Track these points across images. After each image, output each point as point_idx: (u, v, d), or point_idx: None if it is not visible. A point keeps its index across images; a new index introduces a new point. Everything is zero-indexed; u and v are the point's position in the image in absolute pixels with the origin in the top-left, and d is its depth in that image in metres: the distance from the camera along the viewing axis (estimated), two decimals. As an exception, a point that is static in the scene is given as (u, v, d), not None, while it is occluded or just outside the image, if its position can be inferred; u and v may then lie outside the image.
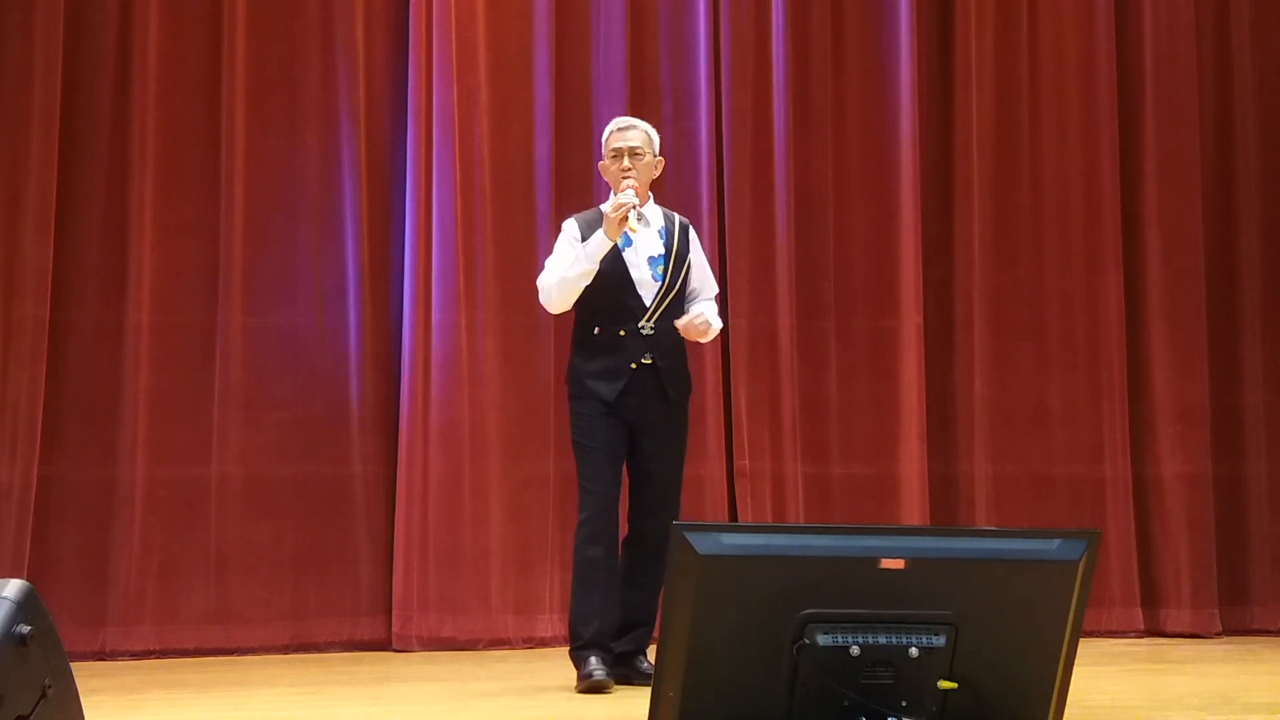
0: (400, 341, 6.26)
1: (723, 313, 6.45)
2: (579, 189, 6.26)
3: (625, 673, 4.80)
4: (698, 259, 4.99)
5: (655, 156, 4.96)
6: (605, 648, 4.74)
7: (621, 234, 4.75)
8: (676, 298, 4.88)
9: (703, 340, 4.95)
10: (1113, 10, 6.91)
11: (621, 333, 4.79)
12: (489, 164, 6.35)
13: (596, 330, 4.82)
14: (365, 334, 6.27)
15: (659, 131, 6.51)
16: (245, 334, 6.14)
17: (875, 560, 3.06)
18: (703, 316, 4.80)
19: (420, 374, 6.21)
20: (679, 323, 4.80)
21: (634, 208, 4.70)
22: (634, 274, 4.82)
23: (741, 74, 6.60)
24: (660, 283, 4.84)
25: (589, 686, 4.64)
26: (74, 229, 6.03)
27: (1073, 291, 6.81)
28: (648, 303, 4.82)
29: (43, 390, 5.88)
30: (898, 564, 3.05)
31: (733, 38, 6.59)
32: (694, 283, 4.96)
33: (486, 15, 6.40)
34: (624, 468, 4.89)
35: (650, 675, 4.56)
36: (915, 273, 6.64)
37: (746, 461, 6.43)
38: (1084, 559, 3.12)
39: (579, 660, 4.76)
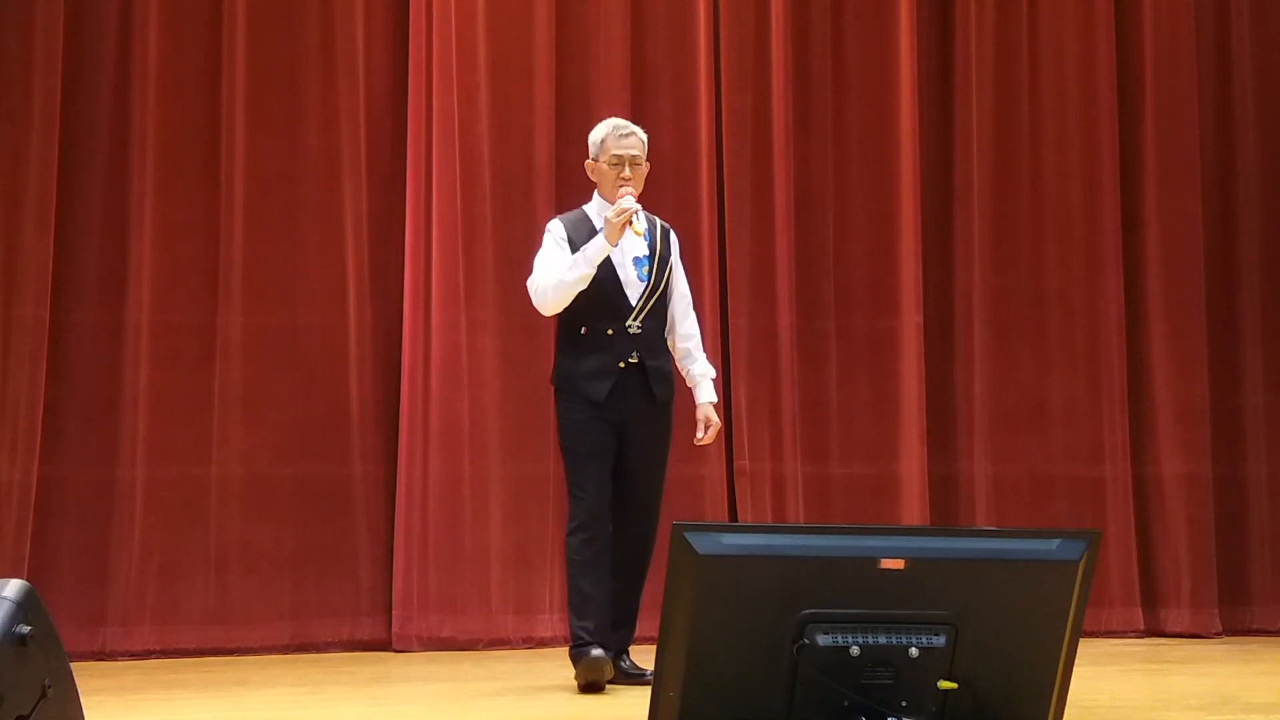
0: (400, 341, 6.26)
1: (723, 313, 6.52)
2: (579, 189, 6.26)
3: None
4: (678, 264, 5.08)
5: (647, 161, 5.04)
6: (605, 644, 4.79)
7: (621, 238, 4.80)
8: (660, 297, 4.96)
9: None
10: (1113, 10, 6.91)
11: (609, 331, 4.86)
12: (489, 164, 6.35)
13: (584, 329, 4.89)
14: (365, 334, 6.27)
15: (659, 132, 6.55)
16: (245, 334, 6.14)
17: (875, 560, 3.05)
18: (708, 411, 5.00)
19: (420, 374, 6.21)
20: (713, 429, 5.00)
21: (635, 213, 4.78)
22: (620, 274, 4.90)
23: (741, 74, 6.60)
24: (646, 283, 4.92)
25: (587, 666, 4.68)
26: (74, 229, 6.03)
27: (1073, 291, 6.81)
28: (634, 302, 4.90)
29: (43, 390, 5.88)
30: (898, 564, 3.05)
31: (733, 38, 6.59)
32: (674, 291, 5.03)
33: (486, 15, 6.40)
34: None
35: (634, 675, 4.72)
36: (915, 273, 6.64)
37: (746, 461, 6.44)
38: (1084, 559, 3.12)
39: (578, 657, 4.79)
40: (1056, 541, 3.15)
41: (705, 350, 5.13)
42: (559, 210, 6.04)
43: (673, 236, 5.09)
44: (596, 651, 4.71)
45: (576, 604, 4.84)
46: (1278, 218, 6.97)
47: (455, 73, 6.32)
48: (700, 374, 5.04)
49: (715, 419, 5.01)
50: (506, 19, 6.44)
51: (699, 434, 5.00)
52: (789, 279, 6.56)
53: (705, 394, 5.02)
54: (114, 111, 6.09)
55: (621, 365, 4.85)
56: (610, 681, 4.81)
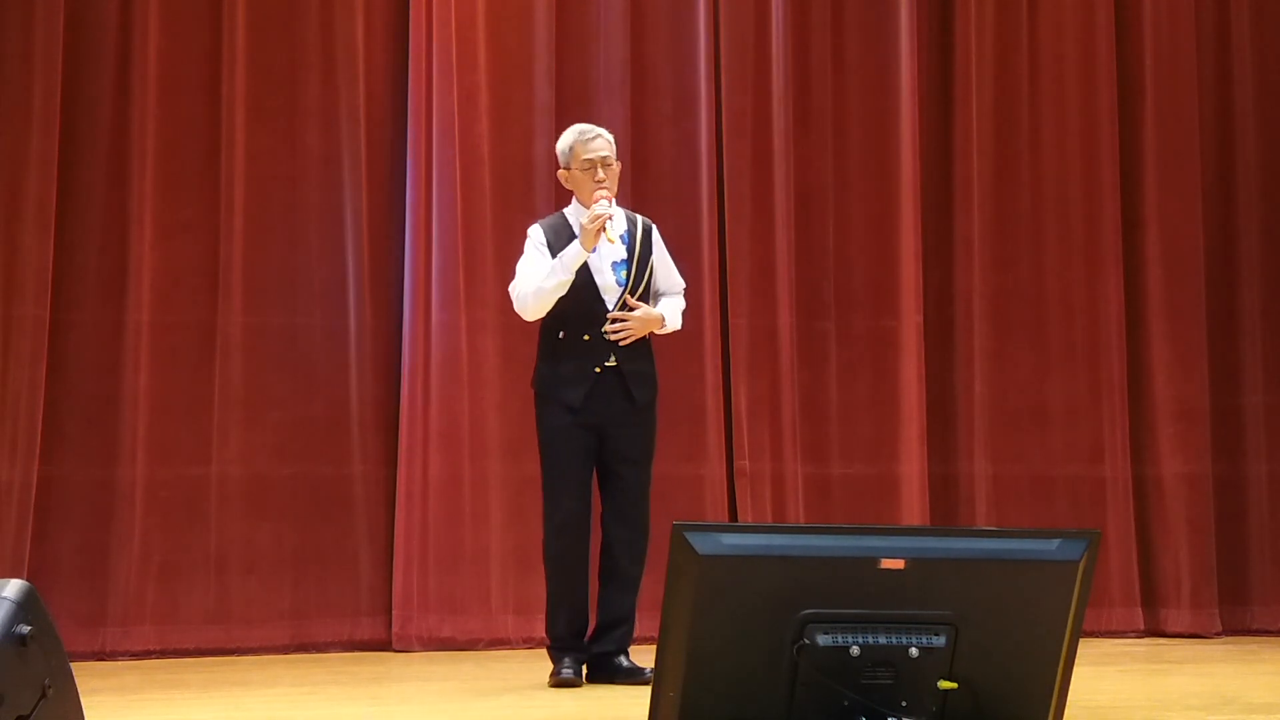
0: (400, 341, 6.26)
1: (723, 313, 6.52)
2: (579, 189, 6.28)
3: (608, 673, 4.89)
4: (660, 259, 5.03)
5: (617, 160, 5.00)
6: (577, 648, 4.90)
7: (596, 244, 4.78)
8: (640, 300, 4.92)
9: (659, 332, 4.95)
10: (1113, 10, 6.92)
11: (586, 336, 4.84)
12: (489, 164, 6.35)
13: (561, 334, 4.88)
14: (365, 334, 6.27)
15: (659, 132, 6.54)
16: (245, 334, 6.14)
17: (875, 560, 3.05)
18: (653, 310, 4.90)
19: (420, 374, 6.21)
20: (634, 314, 4.83)
21: (609, 218, 4.75)
22: (597, 279, 4.87)
23: (741, 74, 6.60)
24: (623, 287, 4.88)
25: (557, 684, 4.81)
26: (74, 229, 6.03)
27: (1073, 291, 6.81)
28: (611, 306, 4.87)
29: (43, 390, 5.88)
30: (898, 564, 3.05)
31: (732, 38, 6.59)
32: (659, 283, 5.02)
33: (486, 15, 6.40)
34: (594, 472, 4.94)
35: (632, 673, 4.76)
36: (915, 273, 6.64)
37: (746, 461, 6.43)
38: (1084, 559, 3.12)
39: (553, 659, 4.92)
40: (1056, 541, 3.15)
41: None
42: (559, 210, 6.05)
43: (655, 233, 5.04)
44: (566, 672, 4.81)
45: (550, 607, 4.93)
46: (1278, 218, 6.97)
47: (455, 73, 6.32)
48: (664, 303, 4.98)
49: (642, 314, 4.84)
50: (506, 19, 6.44)
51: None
52: (789, 279, 6.56)
53: (661, 305, 4.96)
54: (114, 111, 6.09)
55: (598, 370, 4.83)
56: (610, 681, 4.85)
